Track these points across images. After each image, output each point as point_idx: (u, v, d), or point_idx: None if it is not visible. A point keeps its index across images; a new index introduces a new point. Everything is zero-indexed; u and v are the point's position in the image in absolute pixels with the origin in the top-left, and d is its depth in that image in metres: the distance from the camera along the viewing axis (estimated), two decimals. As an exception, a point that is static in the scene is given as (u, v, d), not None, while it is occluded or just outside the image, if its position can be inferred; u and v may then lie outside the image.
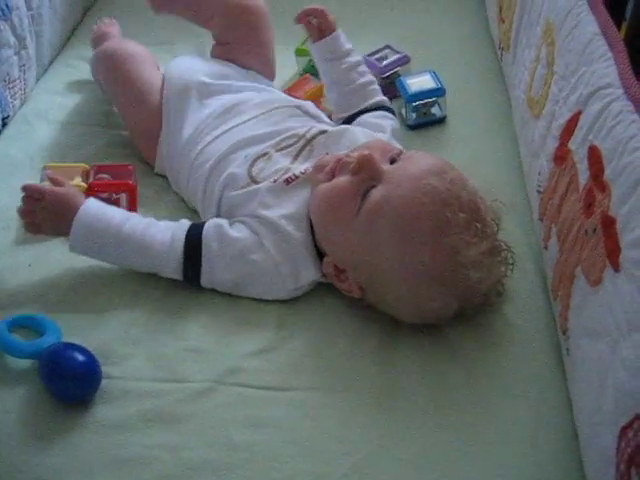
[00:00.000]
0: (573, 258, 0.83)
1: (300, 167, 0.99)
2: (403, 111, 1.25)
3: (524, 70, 1.16)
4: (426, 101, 1.23)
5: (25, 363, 0.89)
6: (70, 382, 0.83)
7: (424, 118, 1.24)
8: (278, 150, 1.02)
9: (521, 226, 1.05)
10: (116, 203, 1.06)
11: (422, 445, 0.80)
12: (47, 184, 1.01)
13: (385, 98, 1.17)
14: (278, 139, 1.03)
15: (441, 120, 1.25)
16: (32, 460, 0.80)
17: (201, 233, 0.96)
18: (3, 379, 0.88)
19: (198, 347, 0.90)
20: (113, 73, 1.21)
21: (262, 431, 0.82)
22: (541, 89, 1.05)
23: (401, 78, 1.26)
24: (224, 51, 1.23)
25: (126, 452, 0.80)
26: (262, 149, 1.02)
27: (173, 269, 0.95)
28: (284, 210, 0.96)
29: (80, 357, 0.84)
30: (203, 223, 0.98)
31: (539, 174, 1.01)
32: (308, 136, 1.03)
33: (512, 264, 0.93)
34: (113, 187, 1.08)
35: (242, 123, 1.07)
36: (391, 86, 1.29)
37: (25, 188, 0.98)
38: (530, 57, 1.13)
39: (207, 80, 1.15)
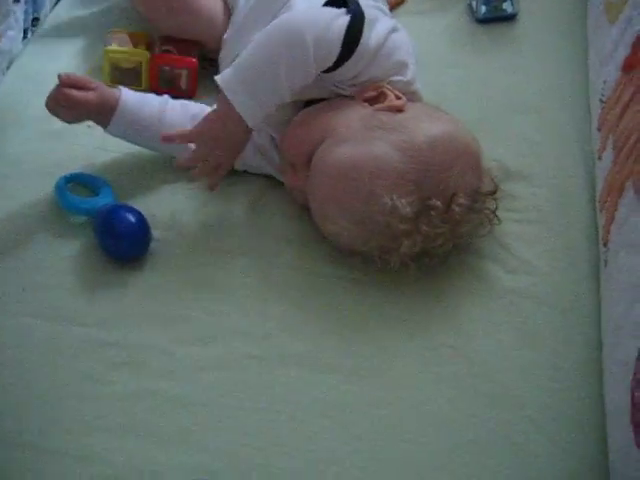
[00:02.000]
0: (626, 170, 0.82)
1: None
2: (474, 3, 1.21)
3: (607, -30, 1.10)
4: (499, -6, 1.19)
5: (81, 219, 0.93)
6: (121, 241, 0.88)
7: (494, 13, 1.20)
8: None
9: (578, 135, 1.03)
10: (177, 78, 1.07)
11: (452, 345, 0.83)
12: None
13: None
14: None
15: (512, 17, 1.20)
16: (80, 308, 0.86)
17: None
18: (60, 232, 0.93)
19: (245, 224, 0.94)
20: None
21: (296, 307, 0.86)
22: (621, -8, 1.00)
23: (477, -33, 1.21)
24: None
25: (168, 311, 0.85)
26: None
27: None
28: None
29: (132, 218, 0.88)
30: None
31: (604, 83, 0.98)
32: None
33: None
34: (176, 62, 1.08)
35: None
36: (464, -24, 1.24)
37: (58, 93, 0.93)
38: (615, -43, 1.07)
39: None
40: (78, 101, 0.93)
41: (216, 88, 0.90)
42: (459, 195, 0.84)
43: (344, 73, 0.90)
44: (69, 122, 0.97)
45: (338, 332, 0.84)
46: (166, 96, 1.00)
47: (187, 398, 0.78)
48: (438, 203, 0.83)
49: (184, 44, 1.11)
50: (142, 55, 1.10)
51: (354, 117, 0.89)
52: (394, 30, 0.93)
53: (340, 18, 0.88)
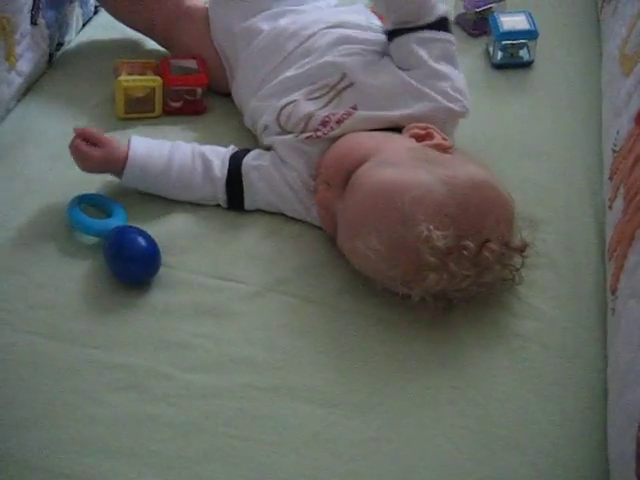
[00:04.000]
0: (635, 220, 0.82)
1: (323, 112, 0.96)
2: (490, 49, 1.23)
3: (622, 24, 1.12)
4: (516, 42, 1.20)
5: (91, 240, 0.94)
6: (131, 263, 0.88)
7: (511, 59, 1.22)
8: (307, 99, 0.99)
9: (590, 183, 1.04)
10: (193, 95, 1.12)
11: (455, 386, 0.82)
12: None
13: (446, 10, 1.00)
14: (309, 89, 1.00)
15: (527, 64, 1.22)
16: (85, 329, 0.86)
17: (241, 165, 0.99)
18: (70, 252, 0.93)
19: (254, 253, 0.94)
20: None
21: (302, 339, 0.85)
22: (636, 46, 1.02)
23: (495, 14, 1.23)
24: None
25: (174, 336, 0.85)
26: (291, 98, 1.00)
27: (220, 203, 0.99)
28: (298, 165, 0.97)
29: (143, 242, 0.89)
30: (244, 154, 1.00)
31: (617, 133, 0.99)
32: (339, 87, 0.98)
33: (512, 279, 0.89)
34: (191, 80, 1.12)
35: (278, 65, 1.04)
36: (482, 22, 1.27)
37: (72, 146, 0.98)
38: (632, 12, 1.09)
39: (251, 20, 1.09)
40: (84, 156, 0.97)
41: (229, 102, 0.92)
42: (492, 242, 0.84)
43: (414, 46, 0.95)
44: (88, 172, 0.99)
45: (342, 366, 0.84)
46: (178, 142, 1.01)
47: (187, 425, 0.78)
48: (471, 245, 0.82)
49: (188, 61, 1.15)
50: (154, 81, 1.11)
51: (402, 146, 0.90)
52: None
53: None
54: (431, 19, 0.96)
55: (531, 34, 1.20)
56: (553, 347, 0.86)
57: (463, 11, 1.30)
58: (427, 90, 0.95)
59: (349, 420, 0.79)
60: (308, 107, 0.98)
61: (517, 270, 0.89)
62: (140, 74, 1.12)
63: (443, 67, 0.97)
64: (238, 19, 1.11)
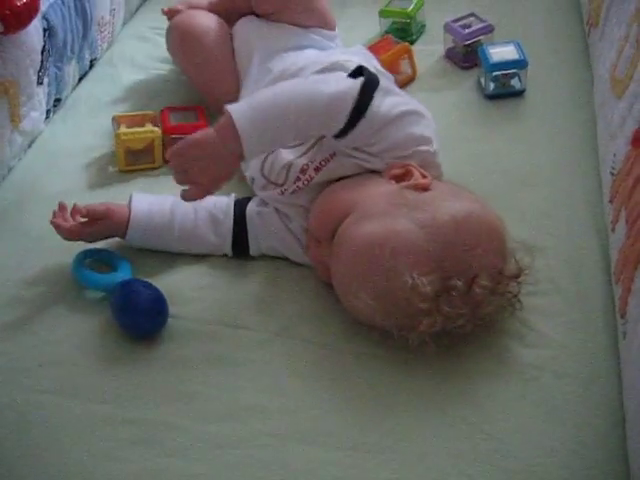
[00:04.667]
0: (640, 243, 0.82)
1: (302, 160, 0.97)
2: (482, 80, 1.24)
3: (611, 48, 1.13)
4: (507, 72, 1.22)
5: (98, 295, 0.94)
6: (138, 317, 0.88)
7: (502, 89, 1.23)
8: (287, 148, 0.98)
9: (590, 207, 1.04)
10: None
11: (469, 421, 0.82)
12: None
13: None
14: None
15: (519, 93, 1.23)
16: (96, 385, 0.86)
17: (245, 211, 1.00)
18: (77, 307, 0.94)
19: (260, 299, 0.94)
20: (186, 56, 1.20)
21: (312, 384, 0.85)
22: (626, 69, 1.03)
23: (484, 46, 1.25)
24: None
25: (185, 387, 0.85)
26: None
27: (226, 252, 1.00)
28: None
29: (150, 294, 0.89)
30: (247, 201, 1.01)
31: (614, 156, 1.00)
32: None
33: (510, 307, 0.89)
34: (190, 129, 1.10)
35: None
36: (471, 54, 1.29)
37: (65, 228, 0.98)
38: (619, 35, 1.11)
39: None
40: (85, 234, 0.97)
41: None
42: (481, 277, 0.83)
43: (358, 138, 0.92)
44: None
45: (354, 409, 0.83)
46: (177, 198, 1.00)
47: (203, 477, 0.77)
48: (459, 283, 0.82)
49: (188, 110, 1.16)
50: (153, 132, 1.12)
51: (379, 193, 0.90)
52: (414, 106, 0.96)
53: (353, 82, 0.91)
54: (340, 125, 0.91)
55: (521, 63, 1.22)
56: (566, 375, 0.85)
57: (452, 45, 1.32)
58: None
59: (365, 462, 0.78)
60: (287, 156, 0.98)
61: (515, 296, 0.88)
62: (139, 126, 1.14)
63: (386, 143, 0.93)
64: (257, 45, 1.14)
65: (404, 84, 1.26)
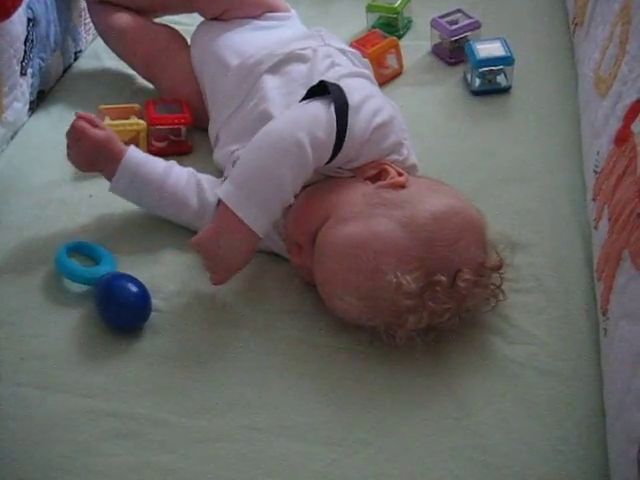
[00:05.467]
0: (621, 240, 0.83)
1: None
2: (468, 76, 1.25)
3: (595, 47, 1.14)
4: (493, 68, 1.22)
5: (81, 288, 0.94)
6: (122, 310, 0.88)
7: (489, 86, 1.23)
8: None
9: (573, 205, 1.05)
10: (177, 134, 1.12)
11: (453, 416, 0.82)
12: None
13: None
14: None
15: (505, 90, 1.24)
16: (78, 378, 0.85)
17: None
18: (61, 300, 0.93)
19: (244, 295, 0.94)
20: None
21: (296, 380, 0.85)
22: (610, 68, 1.03)
23: (471, 42, 1.25)
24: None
25: (168, 381, 0.85)
26: (240, 151, 0.98)
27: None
28: None
29: (133, 288, 0.89)
30: None
31: (597, 154, 1.01)
32: None
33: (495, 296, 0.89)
34: (175, 119, 1.12)
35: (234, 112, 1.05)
36: (458, 50, 1.29)
37: (74, 123, 0.98)
38: (604, 34, 1.11)
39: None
40: (86, 134, 0.97)
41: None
42: (464, 271, 0.84)
43: (338, 161, 0.92)
44: (83, 170, 0.99)
45: (339, 404, 0.83)
46: (173, 161, 1.01)
47: (185, 471, 0.77)
48: (443, 279, 0.83)
49: (171, 103, 1.16)
50: (138, 125, 1.12)
51: (356, 195, 0.90)
52: (380, 109, 0.94)
53: (326, 112, 0.88)
54: (326, 161, 0.90)
55: (507, 60, 1.22)
56: (548, 371, 0.86)
57: (439, 41, 1.32)
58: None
59: (350, 457, 0.78)
60: None
61: (498, 287, 0.89)
62: (124, 119, 1.13)
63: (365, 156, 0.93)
64: (211, 46, 1.13)
65: (391, 78, 1.26)
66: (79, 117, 0.99)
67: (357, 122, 0.90)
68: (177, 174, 1.00)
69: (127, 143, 1.11)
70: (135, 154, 0.98)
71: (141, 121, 1.13)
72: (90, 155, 0.98)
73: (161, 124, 1.12)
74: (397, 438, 0.80)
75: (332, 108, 0.89)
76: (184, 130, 1.13)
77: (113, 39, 1.24)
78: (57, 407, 0.82)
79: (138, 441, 0.79)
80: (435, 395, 0.84)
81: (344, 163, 0.93)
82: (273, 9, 1.18)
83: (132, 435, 0.80)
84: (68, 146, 0.99)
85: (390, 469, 0.78)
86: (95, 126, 0.98)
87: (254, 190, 0.86)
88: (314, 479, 0.77)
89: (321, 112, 0.89)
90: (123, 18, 1.23)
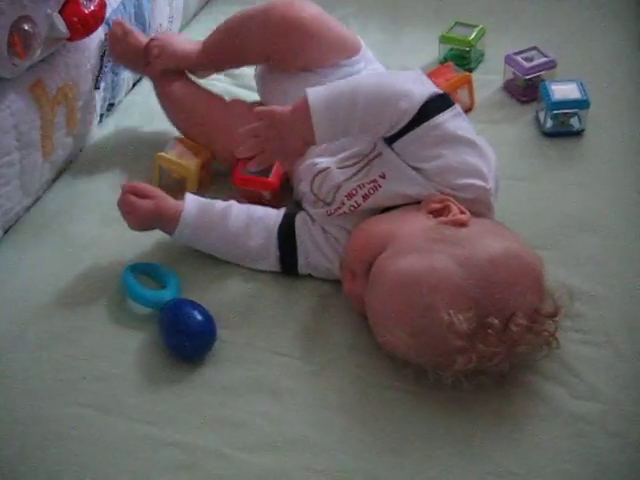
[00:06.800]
0: None
1: (351, 184, 0.95)
2: (541, 116, 1.22)
3: (677, 94, 1.11)
4: (567, 111, 1.20)
5: (145, 310, 0.94)
6: (186, 338, 0.87)
7: (561, 128, 1.21)
8: (339, 167, 0.98)
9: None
10: (260, 197, 1.06)
11: (514, 472, 0.80)
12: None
13: None
14: (342, 156, 0.98)
15: (578, 133, 1.21)
16: (139, 403, 0.85)
17: (294, 221, 0.99)
18: (124, 322, 0.93)
19: (309, 328, 0.93)
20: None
21: (357, 419, 0.84)
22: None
23: (546, 82, 1.22)
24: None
25: (229, 414, 0.84)
26: (324, 165, 0.99)
27: (273, 265, 0.99)
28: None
29: (199, 316, 0.88)
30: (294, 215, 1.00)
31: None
32: (370, 156, 0.96)
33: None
34: (258, 184, 1.06)
35: None
36: (531, 88, 1.27)
37: (121, 198, 0.98)
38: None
39: None
40: (135, 208, 0.96)
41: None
42: (518, 315, 0.82)
43: (413, 145, 0.91)
44: (137, 230, 0.99)
45: (398, 448, 0.82)
46: (231, 201, 1.00)
47: (243, 507, 0.77)
48: (496, 322, 0.81)
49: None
50: (188, 172, 1.09)
51: (417, 228, 0.89)
52: (479, 139, 0.95)
53: (428, 90, 0.93)
54: (404, 122, 0.91)
55: (583, 103, 1.20)
56: (617, 434, 0.83)
57: (512, 77, 1.30)
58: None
59: (409, 506, 0.77)
60: (338, 177, 0.97)
61: (552, 335, 0.86)
62: (188, 155, 1.10)
63: (440, 162, 0.92)
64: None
65: (461, 113, 1.24)
66: (125, 190, 0.97)
67: (451, 120, 0.92)
68: (235, 218, 0.98)
69: (176, 181, 1.10)
70: (190, 211, 0.97)
71: (192, 168, 1.08)
72: (144, 224, 0.98)
73: (245, 187, 1.06)
74: (459, 492, 0.78)
75: (433, 90, 0.94)
76: (267, 195, 1.07)
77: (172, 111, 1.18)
78: (116, 432, 0.82)
79: (193, 474, 0.79)
80: (497, 447, 0.82)
81: (419, 158, 0.92)
82: (345, 54, 1.10)
83: (187, 467, 0.79)
84: (121, 213, 0.98)
85: (451, 523, 0.76)
86: (143, 196, 0.97)
87: (333, 104, 0.91)
88: (372, 527, 0.75)
89: (426, 87, 0.95)
90: (180, 89, 1.16)
